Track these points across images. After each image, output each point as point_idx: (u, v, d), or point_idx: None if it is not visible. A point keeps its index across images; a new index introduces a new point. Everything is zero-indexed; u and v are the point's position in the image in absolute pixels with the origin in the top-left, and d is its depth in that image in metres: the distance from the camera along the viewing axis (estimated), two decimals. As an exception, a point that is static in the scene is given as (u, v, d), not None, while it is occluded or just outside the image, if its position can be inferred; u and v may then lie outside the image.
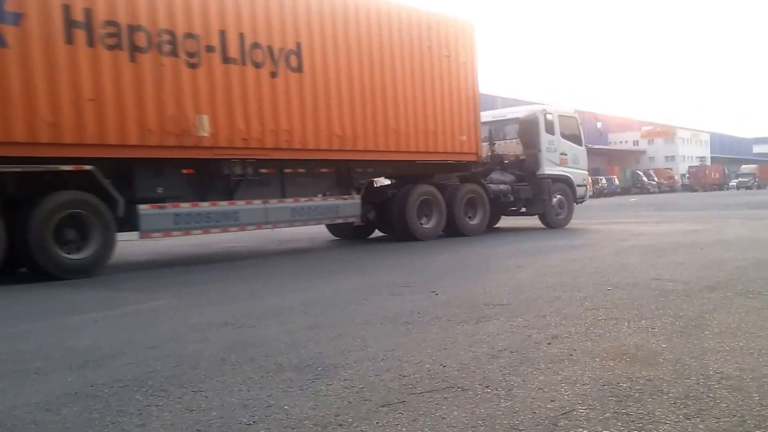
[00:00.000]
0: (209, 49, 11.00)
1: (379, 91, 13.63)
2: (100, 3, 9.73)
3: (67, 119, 9.42)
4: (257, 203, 12.07)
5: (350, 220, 14.00)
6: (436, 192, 15.03)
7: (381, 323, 5.54)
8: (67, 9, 9.38)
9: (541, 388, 3.60)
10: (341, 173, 13.93)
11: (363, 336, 5.07)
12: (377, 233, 16.30)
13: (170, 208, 10.85)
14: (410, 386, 3.74)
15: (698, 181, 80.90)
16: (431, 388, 3.68)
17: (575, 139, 17.97)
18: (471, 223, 15.67)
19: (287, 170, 12.94)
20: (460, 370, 4.01)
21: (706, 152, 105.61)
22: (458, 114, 15.28)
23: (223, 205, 11.60)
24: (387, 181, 15.50)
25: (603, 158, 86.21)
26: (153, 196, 10.86)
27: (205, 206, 11.36)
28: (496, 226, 18.32)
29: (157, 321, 6.14)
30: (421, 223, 14.67)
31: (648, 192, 72.14)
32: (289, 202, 12.70)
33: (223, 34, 11.16)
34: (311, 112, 12.45)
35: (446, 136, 15.00)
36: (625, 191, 70.03)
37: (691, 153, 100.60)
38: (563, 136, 17.54)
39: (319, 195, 13.46)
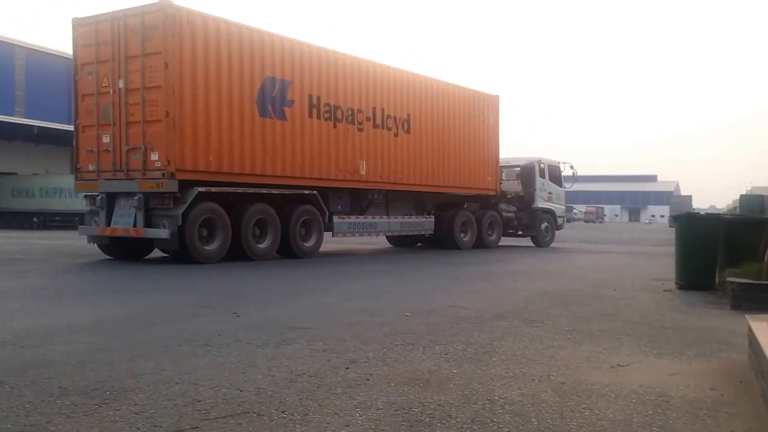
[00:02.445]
0: (367, 119, 17.22)
1: (446, 144, 19.91)
2: (323, 92, 15.91)
3: (306, 162, 15.52)
4: (384, 218, 18.51)
5: (427, 232, 20.26)
6: (472, 216, 21.24)
7: (178, 345, 5.37)
8: (309, 96, 15.59)
9: (336, 413, 3.66)
10: (418, 200, 20.03)
11: (158, 358, 4.87)
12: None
13: (348, 219, 17.25)
14: (204, 411, 3.65)
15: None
16: (226, 413, 3.62)
17: (558, 182, 24.50)
18: (491, 239, 22.00)
19: (392, 197, 18.82)
20: (257, 395, 3.98)
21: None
22: (486, 161, 21.71)
23: (369, 219, 17.98)
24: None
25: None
26: (337, 210, 16.96)
27: (361, 219, 17.75)
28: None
29: None
30: (462, 237, 20.66)
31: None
32: (399, 218, 19.08)
33: (374, 109, 17.42)
34: (412, 159, 18.77)
35: (479, 176, 21.36)
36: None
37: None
38: (550, 179, 24.00)
39: (405, 215, 19.44)
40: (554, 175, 24.28)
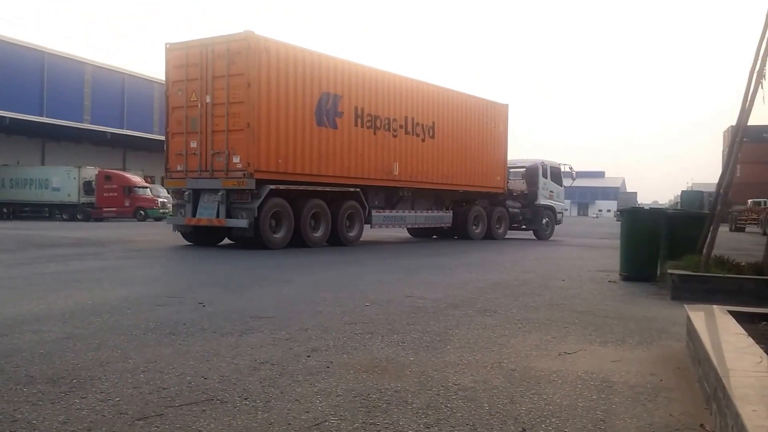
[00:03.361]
0: (400, 127, 19.32)
1: (463, 148, 21.83)
2: (366, 104, 17.98)
3: (351, 164, 17.63)
4: (411, 212, 20.53)
5: (446, 225, 22.05)
6: (483, 211, 23.19)
7: (144, 334, 5.30)
8: (355, 108, 17.64)
9: (297, 400, 3.65)
10: (438, 196, 21.91)
11: (124, 347, 4.80)
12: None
13: (383, 212, 19.38)
14: (169, 399, 3.61)
15: None
16: (190, 401, 3.58)
17: (558, 181, 26.14)
18: (499, 231, 23.85)
19: (417, 194, 20.75)
20: (221, 382, 3.95)
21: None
22: (496, 162, 23.67)
23: (401, 212, 20.07)
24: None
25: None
26: (374, 205, 19.09)
27: (393, 212, 19.83)
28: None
29: None
30: (474, 229, 22.66)
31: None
32: (424, 212, 21.06)
33: (405, 118, 19.48)
34: (435, 161, 20.75)
35: (490, 175, 23.27)
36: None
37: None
38: (552, 179, 25.64)
39: (428, 209, 21.36)
40: (555, 175, 25.97)
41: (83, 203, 37.25)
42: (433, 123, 20.49)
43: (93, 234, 20.79)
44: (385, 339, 5.34)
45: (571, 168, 26.92)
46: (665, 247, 10.32)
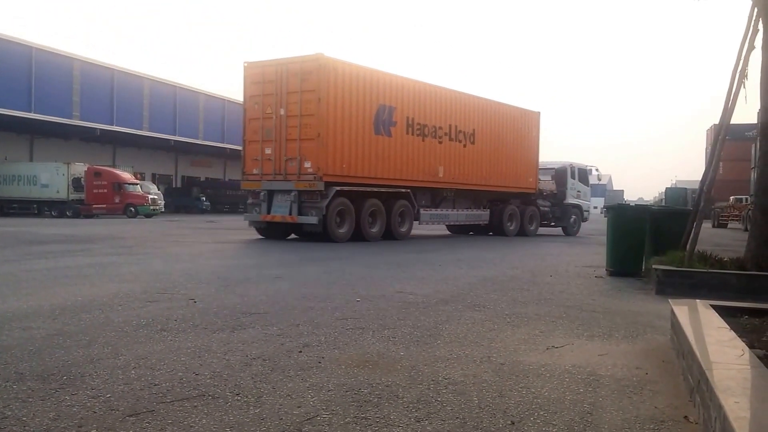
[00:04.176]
0: (445, 134, 21.13)
1: (499, 152, 23.54)
2: (416, 114, 19.86)
3: (403, 168, 19.53)
4: (453, 211, 22.35)
5: (483, 222, 23.68)
6: (516, 209, 24.56)
7: (135, 330, 5.27)
8: (407, 118, 19.51)
9: (289, 395, 3.66)
10: (476, 196, 23.48)
11: (115, 344, 4.78)
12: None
13: (430, 211, 21.15)
14: (161, 395, 3.60)
15: None
16: (182, 397, 3.57)
17: (585, 182, 27.81)
18: (530, 228, 25.25)
19: (458, 194, 22.41)
20: (212, 378, 3.94)
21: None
22: (528, 165, 25.30)
23: (444, 211, 21.94)
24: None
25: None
26: (421, 204, 20.70)
27: (439, 211, 21.66)
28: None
29: None
30: (509, 226, 24.20)
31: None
32: (465, 211, 22.85)
33: (450, 126, 21.32)
34: (475, 164, 22.55)
35: (523, 177, 24.89)
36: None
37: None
38: (579, 180, 27.35)
39: (467, 208, 23.06)
40: (582, 175, 27.69)
41: (72, 200, 36.98)
42: (473, 130, 22.43)
43: (83, 231, 20.65)
44: (377, 334, 5.35)
45: (597, 170, 28.85)
46: (650, 243, 10.39)
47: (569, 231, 26.64)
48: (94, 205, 36.73)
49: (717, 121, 9.74)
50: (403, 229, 19.64)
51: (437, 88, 21.04)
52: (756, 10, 8.71)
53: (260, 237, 18.65)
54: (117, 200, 37.20)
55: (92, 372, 4.00)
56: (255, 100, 18.03)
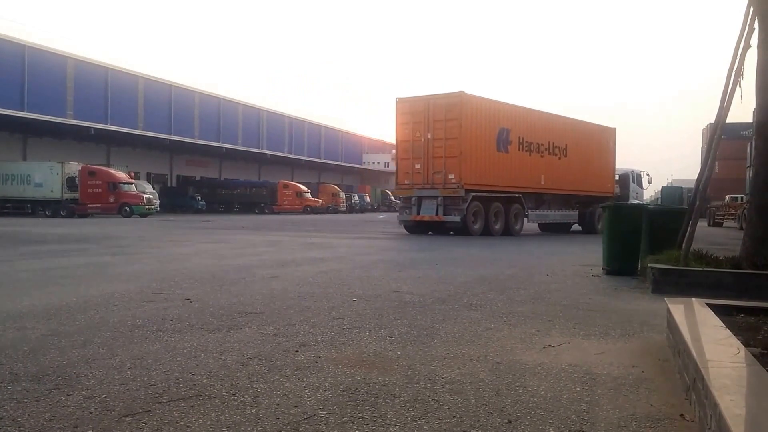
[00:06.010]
0: (545, 149, 25.65)
1: (585, 162, 27.59)
2: (525, 134, 24.53)
3: (516, 177, 23.98)
4: (551, 212, 26.46)
5: (573, 221, 28.02)
6: (601, 210, 23.80)
7: (131, 330, 5.27)
8: (518, 137, 24.25)
9: (286, 395, 3.65)
10: (567, 200, 27.38)
11: (110, 344, 4.77)
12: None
13: (536, 212, 25.47)
14: (157, 395, 3.59)
15: None
16: (178, 397, 3.57)
17: (640, 185, 32.89)
18: None
19: (553, 198, 26.66)
20: (209, 378, 3.93)
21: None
22: (608, 172, 29.59)
23: (546, 212, 26.16)
24: None
25: (356, 177, 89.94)
26: (529, 206, 24.78)
27: (542, 211, 25.88)
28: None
29: None
30: (597, 225, 26.89)
31: (394, 210, 76.30)
32: (560, 212, 26.89)
33: (549, 143, 25.80)
34: (567, 173, 26.59)
35: (604, 183, 28.91)
36: (375, 209, 73.59)
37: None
38: (637, 184, 32.31)
39: (560, 209, 26.94)
40: (638, 180, 32.74)
41: (67, 199, 36.91)
42: (566, 145, 26.77)
43: (77, 230, 20.61)
44: (373, 333, 5.35)
45: (648, 174, 33.34)
46: (646, 241, 10.40)
47: None
48: (89, 205, 36.66)
49: (713, 120, 9.75)
50: (517, 227, 24.28)
51: (539, 112, 25.88)
52: (752, 8, 8.73)
53: (406, 233, 23.27)
54: (112, 200, 37.15)
55: (88, 372, 4.00)
56: (405, 126, 22.98)
